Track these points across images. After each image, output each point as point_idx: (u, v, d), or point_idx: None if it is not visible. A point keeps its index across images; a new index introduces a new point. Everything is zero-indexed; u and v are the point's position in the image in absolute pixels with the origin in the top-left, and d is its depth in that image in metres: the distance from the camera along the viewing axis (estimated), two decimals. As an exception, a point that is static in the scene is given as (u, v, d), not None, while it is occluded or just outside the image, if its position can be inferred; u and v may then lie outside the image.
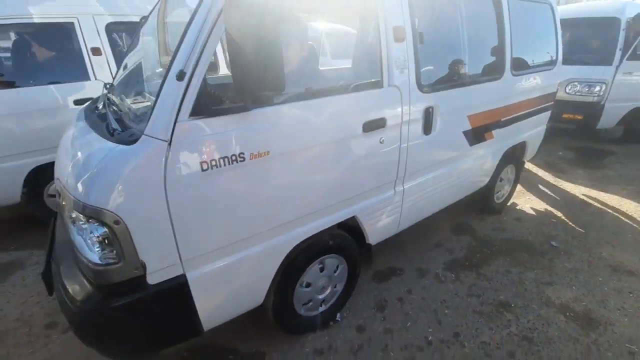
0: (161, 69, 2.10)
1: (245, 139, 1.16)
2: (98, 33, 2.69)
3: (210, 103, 1.09)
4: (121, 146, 1.03)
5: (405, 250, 2.42)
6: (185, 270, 1.20)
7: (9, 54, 2.57)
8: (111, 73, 2.80)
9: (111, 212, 0.99)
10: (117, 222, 1.01)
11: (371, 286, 2.11)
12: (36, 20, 2.45)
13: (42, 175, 2.55)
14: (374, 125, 1.50)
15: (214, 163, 1.11)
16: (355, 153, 1.50)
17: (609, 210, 3.02)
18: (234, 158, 1.14)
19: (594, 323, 1.84)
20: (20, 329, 1.83)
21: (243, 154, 1.16)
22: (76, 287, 1.15)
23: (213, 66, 2.94)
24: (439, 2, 1.84)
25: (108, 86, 1.78)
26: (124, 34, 2.88)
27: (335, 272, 1.75)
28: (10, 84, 2.39)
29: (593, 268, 2.28)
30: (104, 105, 1.48)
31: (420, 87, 1.67)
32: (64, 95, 2.53)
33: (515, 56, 2.24)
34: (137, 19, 2.89)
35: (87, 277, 1.15)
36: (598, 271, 2.25)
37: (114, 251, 1.05)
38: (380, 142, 1.58)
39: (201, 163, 1.09)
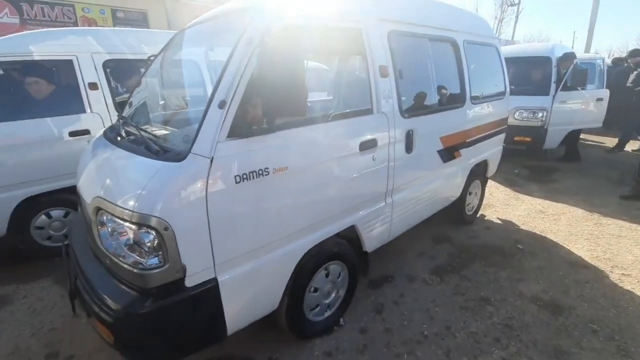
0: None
1: (269, 156, 1.38)
2: (96, 69, 2.85)
3: (243, 126, 1.31)
4: (171, 163, 1.21)
5: (394, 260, 2.65)
6: (217, 274, 1.34)
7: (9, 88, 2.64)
8: (106, 106, 2.92)
9: (162, 219, 1.15)
10: (166, 229, 1.16)
11: (367, 293, 2.29)
12: (37, 58, 2.59)
13: (30, 207, 2.56)
14: (367, 145, 1.78)
15: (245, 176, 1.31)
16: (354, 168, 1.76)
17: (562, 217, 3.48)
18: (260, 172, 1.35)
19: (560, 309, 2.14)
20: (17, 362, 1.79)
21: (267, 168, 1.37)
22: (116, 295, 1.25)
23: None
24: (412, 47, 2.23)
25: (122, 117, 1.93)
26: (121, 70, 3.04)
27: (338, 277, 1.94)
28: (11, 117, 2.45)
29: (554, 265, 2.63)
30: (128, 133, 1.63)
31: (402, 113, 1.99)
32: (60, 128, 2.62)
33: (472, 88, 2.68)
34: (132, 56, 3.10)
35: (126, 284, 1.26)
36: (558, 267, 2.60)
37: (160, 255, 1.19)
38: (373, 160, 1.85)
39: (235, 176, 1.28)
